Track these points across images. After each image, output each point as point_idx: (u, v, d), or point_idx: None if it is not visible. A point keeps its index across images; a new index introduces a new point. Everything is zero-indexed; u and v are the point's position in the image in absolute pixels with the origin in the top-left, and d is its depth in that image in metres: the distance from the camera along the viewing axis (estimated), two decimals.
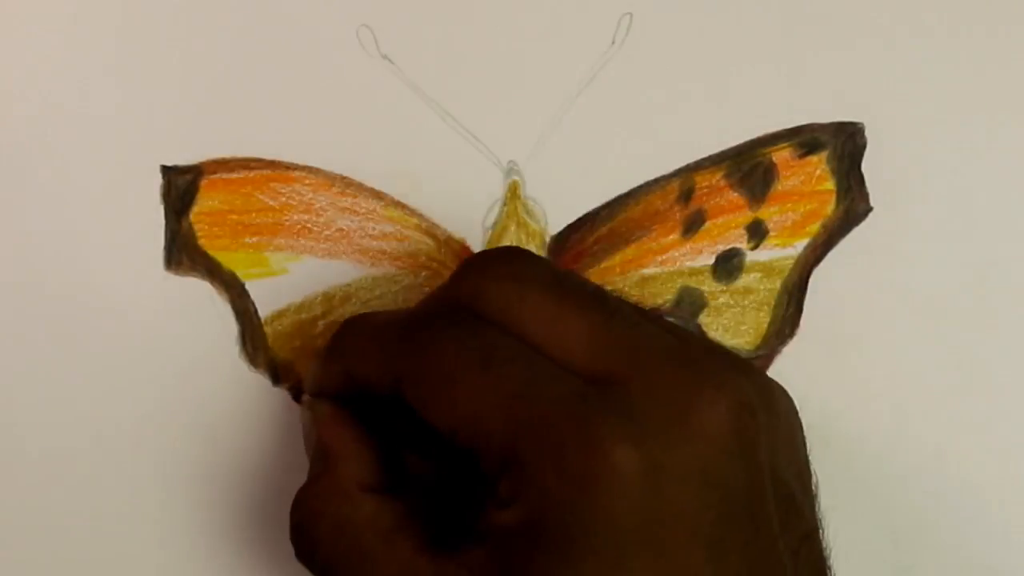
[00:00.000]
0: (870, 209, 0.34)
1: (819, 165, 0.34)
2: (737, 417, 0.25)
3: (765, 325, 0.34)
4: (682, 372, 0.25)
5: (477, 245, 0.33)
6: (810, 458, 0.28)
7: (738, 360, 0.27)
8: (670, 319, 0.33)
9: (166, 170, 0.33)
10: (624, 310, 0.27)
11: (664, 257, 0.34)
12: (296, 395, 0.33)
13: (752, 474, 0.25)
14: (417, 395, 0.26)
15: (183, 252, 0.33)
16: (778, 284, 0.34)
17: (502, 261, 0.28)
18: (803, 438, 0.28)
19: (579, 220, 0.33)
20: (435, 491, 0.29)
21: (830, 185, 0.34)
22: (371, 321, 0.29)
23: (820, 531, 0.27)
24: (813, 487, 0.28)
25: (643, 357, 0.25)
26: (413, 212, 0.33)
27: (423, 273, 0.33)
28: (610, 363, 0.25)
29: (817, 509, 0.27)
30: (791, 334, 0.34)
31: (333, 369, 0.29)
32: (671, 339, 0.26)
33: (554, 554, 0.24)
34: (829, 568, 0.27)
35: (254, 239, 0.33)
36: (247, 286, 0.33)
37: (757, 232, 0.34)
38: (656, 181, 0.34)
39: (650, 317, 0.28)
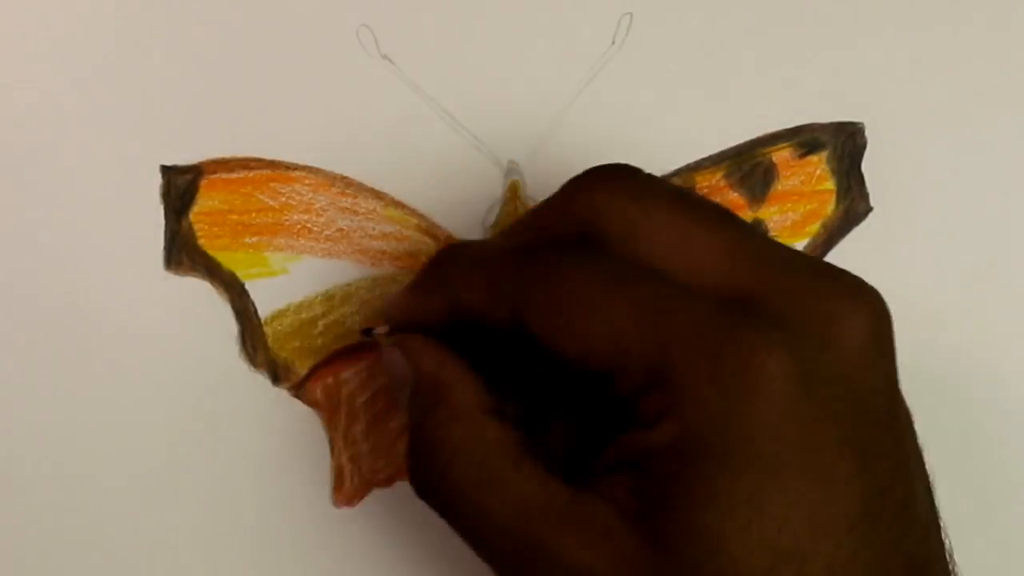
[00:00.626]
0: (870, 209, 0.34)
1: (819, 165, 0.34)
2: (877, 325, 0.25)
3: None
4: (820, 284, 0.25)
5: None
6: None
7: (861, 282, 0.27)
8: None
9: (166, 170, 0.33)
10: (754, 227, 0.27)
11: None
12: (297, 392, 0.33)
13: (890, 382, 0.25)
14: (543, 323, 0.25)
15: (183, 252, 0.33)
16: None
17: (617, 177, 0.26)
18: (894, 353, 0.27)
19: None
20: (543, 428, 0.28)
21: (830, 185, 0.34)
22: (476, 250, 0.28)
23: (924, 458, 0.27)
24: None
25: (780, 272, 0.25)
26: (413, 212, 0.33)
27: None
28: (747, 280, 0.25)
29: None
30: None
31: (432, 300, 0.27)
32: (803, 255, 0.26)
33: (714, 466, 0.24)
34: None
35: (254, 239, 0.33)
36: (247, 286, 0.33)
37: None
38: None
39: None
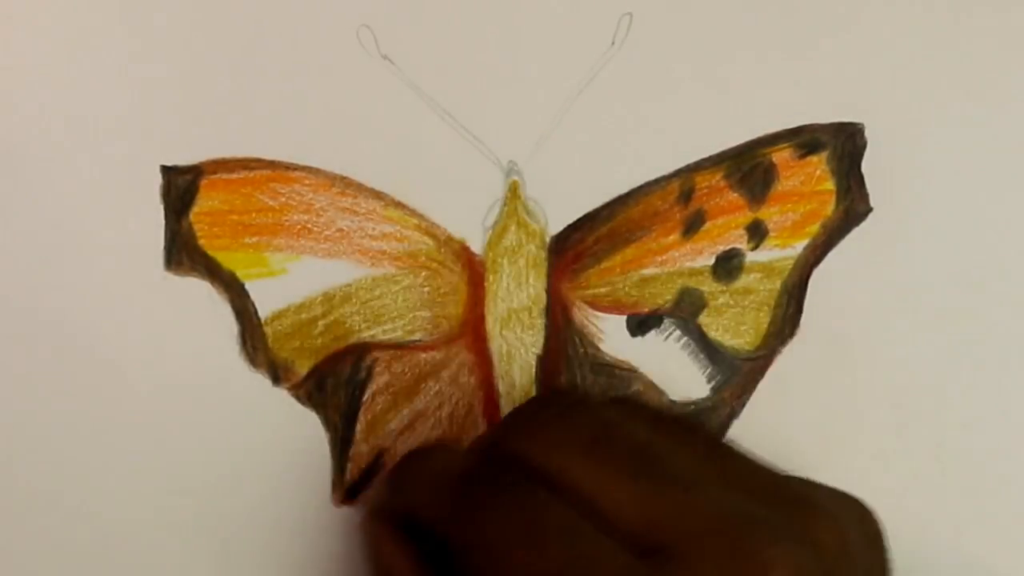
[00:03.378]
0: (870, 209, 0.34)
1: (819, 165, 0.34)
2: (802, 573, 0.25)
3: (765, 325, 0.34)
4: (732, 546, 0.25)
5: (477, 245, 0.33)
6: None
7: (800, 511, 0.27)
8: (740, 451, 0.31)
9: (166, 170, 0.33)
10: (674, 471, 0.27)
11: (664, 257, 0.34)
12: (297, 392, 0.33)
13: None
14: (466, 563, 0.26)
15: (183, 252, 0.33)
16: (778, 284, 0.34)
17: (542, 423, 0.28)
18: (884, 556, 0.28)
19: (579, 220, 0.33)
20: None
21: (830, 185, 0.34)
22: (431, 462, 0.29)
23: None
24: None
25: (692, 529, 0.25)
26: (413, 212, 0.33)
27: (423, 273, 0.33)
28: (660, 534, 0.25)
29: None
30: (791, 334, 0.34)
31: (395, 499, 0.29)
32: (724, 504, 0.26)
33: None
34: None
35: (254, 239, 0.33)
36: (247, 286, 0.33)
37: (757, 232, 0.34)
38: (656, 181, 0.34)
39: (712, 458, 0.28)
